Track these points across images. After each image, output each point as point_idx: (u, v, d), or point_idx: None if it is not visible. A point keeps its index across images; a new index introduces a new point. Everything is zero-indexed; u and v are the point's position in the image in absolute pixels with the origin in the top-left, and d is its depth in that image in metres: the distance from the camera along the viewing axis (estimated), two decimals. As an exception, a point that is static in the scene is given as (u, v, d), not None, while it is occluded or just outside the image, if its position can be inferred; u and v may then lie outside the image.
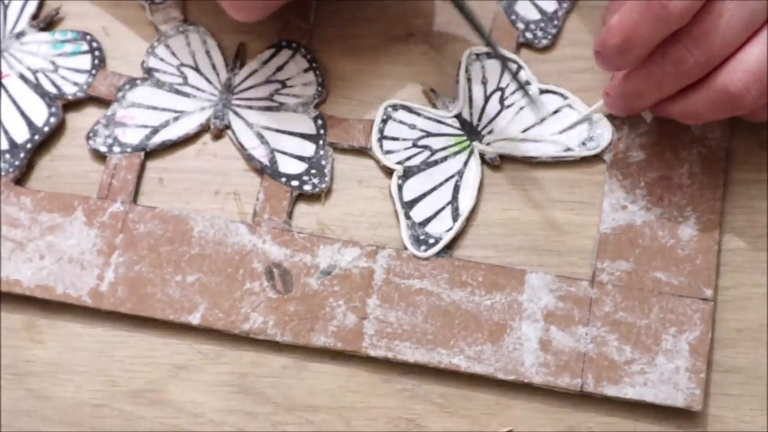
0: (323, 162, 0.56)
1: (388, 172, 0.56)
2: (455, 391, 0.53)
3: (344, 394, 0.53)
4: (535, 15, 0.59)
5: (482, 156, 0.56)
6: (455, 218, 0.54)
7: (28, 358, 0.53)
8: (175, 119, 0.57)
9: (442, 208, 0.55)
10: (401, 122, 0.57)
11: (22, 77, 0.57)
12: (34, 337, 0.54)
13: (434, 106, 0.57)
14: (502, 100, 0.57)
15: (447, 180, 0.55)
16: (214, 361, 0.53)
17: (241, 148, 0.56)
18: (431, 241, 0.54)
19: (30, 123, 0.56)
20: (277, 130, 0.57)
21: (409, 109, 0.57)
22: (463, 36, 0.59)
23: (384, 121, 0.56)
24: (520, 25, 0.59)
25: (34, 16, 0.59)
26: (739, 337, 0.53)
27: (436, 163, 0.56)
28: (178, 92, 0.58)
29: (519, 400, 0.53)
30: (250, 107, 0.57)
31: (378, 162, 0.56)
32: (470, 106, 0.57)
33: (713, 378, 0.53)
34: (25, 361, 0.53)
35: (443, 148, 0.56)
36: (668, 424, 0.52)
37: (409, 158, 0.56)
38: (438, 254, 0.54)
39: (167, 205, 0.55)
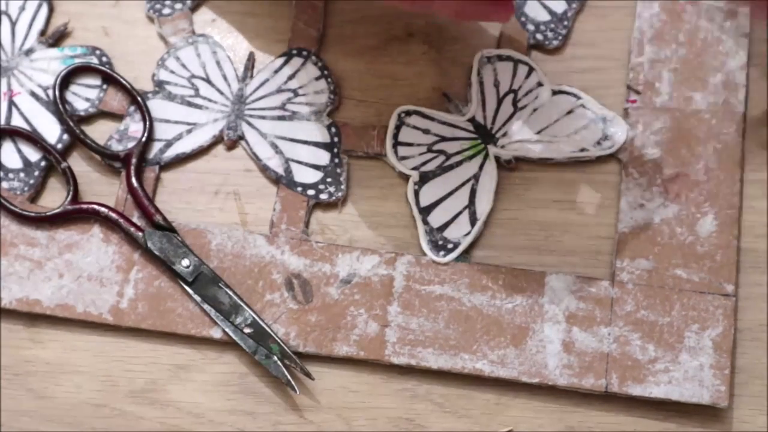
0: (338, 170, 0.56)
1: (405, 177, 0.56)
2: (455, 391, 0.53)
3: (344, 394, 0.53)
4: (544, 16, 0.59)
5: (497, 159, 0.56)
6: (473, 222, 0.54)
7: (28, 358, 0.53)
8: (189, 131, 0.57)
9: (460, 213, 0.55)
10: (415, 127, 0.56)
11: (33, 94, 0.57)
12: (34, 337, 0.54)
13: (447, 110, 0.57)
14: (515, 102, 0.57)
15: (463, 184, 0.55)
16: (214, 361, 0.53)
17: (256, 158, 0.56)
18: (450, 246, 0.54)
19: (43, 140, 0.56)
20: (291, 140, 0.56)
21: (423, 114, 0.57)
22: (463, 36, 0.59)
23: (398, 127, 0.56)
24: (531, 27, 0.59)
25: (42, 32, 0.59)
26: (739, 337, 0.53)
27: (451, 167, 0.56)
28: (190, 104, 0.57)
29: (519, 400, 0.53)
30: (263, 117, 0.57)
31: (393, 168, 0.56)
32: (483, 109, 0.57)
33: None
34: (25, 361, 0.53)
35: (458, 152, 0.56)
36: (669, 423, 0.52)
37: (424, 163, 0.56)
38: (457, 259, 0.54)
39: (167, 205, 0.55)
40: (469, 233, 0.54)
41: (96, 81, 0.58)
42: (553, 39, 0.58)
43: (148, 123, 0.56)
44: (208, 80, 0.58)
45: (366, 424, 0.52)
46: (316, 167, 0.56)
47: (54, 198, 0.56)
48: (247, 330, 0.52)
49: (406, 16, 0.60)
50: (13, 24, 0.59)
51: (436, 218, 0.55)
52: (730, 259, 0.53)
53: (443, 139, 0.56)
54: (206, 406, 0.53)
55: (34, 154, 0.56)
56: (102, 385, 0.53)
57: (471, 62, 0.58)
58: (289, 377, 0.51)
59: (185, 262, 0.53)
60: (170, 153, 0.56)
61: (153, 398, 0.53)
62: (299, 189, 0.55)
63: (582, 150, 0.56)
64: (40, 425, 0.52)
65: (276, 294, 0.53)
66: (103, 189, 0.56)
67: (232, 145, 0.57)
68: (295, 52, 0.59)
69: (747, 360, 0.53)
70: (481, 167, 0.55)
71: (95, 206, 0.54)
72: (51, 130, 0.57)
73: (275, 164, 0.56)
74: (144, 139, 0.56)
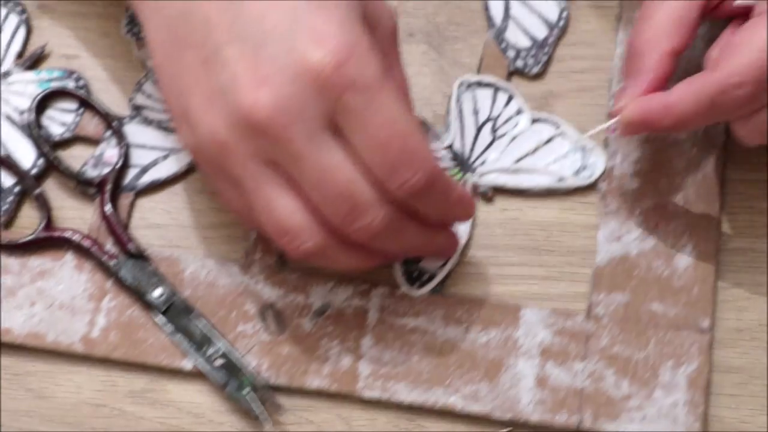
0: (314, 198, 0.55)
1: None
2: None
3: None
4: (525, 42, 0.58)
5: (475, 188, 0.55)
6: (449, 254, 0.54)
7: (29, 359, 0.53)
8: (164, 157, 0.56)
9: (436, 244, 0.54)
10: (392, 155, 0.56)
11: (9, 119, 0.57)
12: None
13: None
14: (494, 130, 0.56)
15: (440, 214, 0.55)
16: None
17: (232, 185, 0.56)
18: (425, 278, 0.54)
19: (17, 166, 0.55)
20: (267, 166, 0.56)
21: (400, 142, 0.56)
22: (462, 36, 0.59)
23: (375, 154, 0.56)
24: (511, 53, 0.58)
25: (20, 55, 0.59)
26: (739, 337, 0.53)
27: (428, 196, 0.55)
28: (166, 129, 0.57)
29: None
30: (239, 143, 0.56)
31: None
32: (462, 137, 0.56)
33: (714, 378, 0.52)
34: (25, 361, 0.53)
35: (435, 182, 0.55)
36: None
37: (401, 192, 0.55)
38: (432, 291, 0.53)
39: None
40: (444, 265, 0.54)
41: (72, 105, 0.57)
42: (533, 66, 0.58)
43: (123, 149, 0.56)
44: (184, 105, 0.57)
45: (366, 424, 0.52)
46: (292, 195, 0.55)
47: (27, 224, 0.55)
48: (218, 362, 0.52)
49: (405, 15, 0.59)
50: (-11, 46, 0.59)
51: (412, 249, 0.54)
52: (706, 293, 0.53)
53: (420, 167, 0.56)
54: (206, 406, 0.52)
55: (8, 180, 0.56)
56: (102, 385, 0.53)
57: (471, 62, 0.58)
58: (259, 411, 0.51)
59: (157, 291, 0.53)
60: (146, 179, 0.56)
61: (153, 398, 0.53)
62: (274, 217, 0.55)
63: (560, 180, 0.55)
64: (40, 425, 0.52)
65: (249, 325, 0.53)
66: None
67: (207, 172, 0.56)
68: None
69: (747, 360, 0.53)
70: (458, 197, 0.55)
71: (68, 233, 0.54)
72: (26, 155, 0.56)
73: (251, 192, 0.55)
74: (119, 165, 0.55)
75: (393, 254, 0.50)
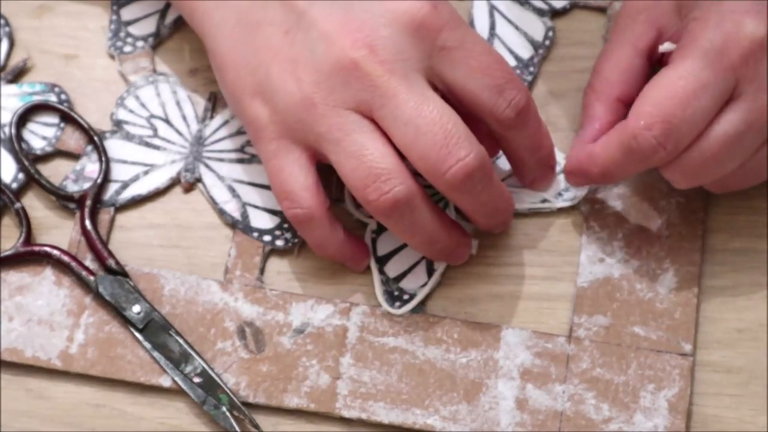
0: (296, 216, 0.55)
1: (364, 225, 0.55)
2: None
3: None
4: (510, 62, 0.58)
5: (457, 209, 0.55)
6: (430, 273, 0.54)
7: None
8: (145, 173, 0.56)
9: (417, 263, 0.54)
10: (375, 173, 0.56)
11: (-11, 132, 0.57)
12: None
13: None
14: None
15: (422, 233, 0.54)
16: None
17: (213, 202, 0.55)
18: (405, 297, 0.53)
19: (-3, 180, 0.55)
20: (249, 183, 0.56)
21: (383, 161, 0.56)
22: None
23: (357, 173, 0.55)
24: (496, 73, 0.58)
25: (2, 68, 0.58)
26: (739, 337, 0.53)
27: (410, 215, 0.55)
28: (148, 145, 0.57)
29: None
30: (221, 159, 0.56)
31: (352, 215, 0.55)
32: (445, 156, 0.56)
33: (714, 378, 0.52)
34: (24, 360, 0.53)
35: (418, 201, 0.55)
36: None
37: (383, 211, 0.55)
38: (412, 310, 0.53)
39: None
40: (425, 284, 0.53)
41: (54, 119, 0.57)
42: (518, 85, 0.58)
43: (104, 163, 0.55)
44: (167, 120, 0.57)
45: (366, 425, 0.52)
46: (274, 212, 0.55)
47: (7, 239, 0.55)
48: (196, 379, 0.51)
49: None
50: (-29, 60, 0.58)
51: (393, 268, 0.54)
52: (689, 316, 0.53)
53: (403, 186, 0.55)
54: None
55: (-13, 193, 0.55)
56: (102, 385, 0.53)
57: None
58: (237, 429, 0.50)
59: (136, 308, 0.52)
60: (126, 195, 0.56)
61: (153, 398, 0.52)
62: (255, 234, 0.55)
63: (543, 201, 0.55)
64: (40, 425, 0.52)
65: (228, 342, 0.53)
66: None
67: (189, 188, 0.56)
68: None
69: (747, 360, 0.53)
70: (440, 216, 0.55)
71: (47, 249, 0.54)
72: (6, 169, 0.56)
73: (232, 208, 0.55)
74: (100, 180, 0.55)
75: (460, 238, 0.52)
